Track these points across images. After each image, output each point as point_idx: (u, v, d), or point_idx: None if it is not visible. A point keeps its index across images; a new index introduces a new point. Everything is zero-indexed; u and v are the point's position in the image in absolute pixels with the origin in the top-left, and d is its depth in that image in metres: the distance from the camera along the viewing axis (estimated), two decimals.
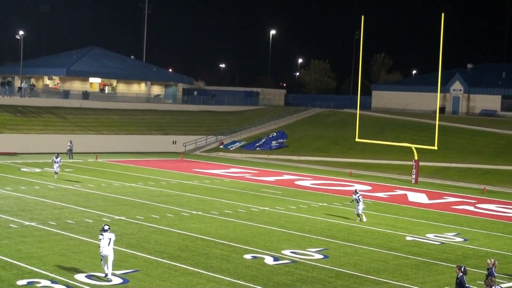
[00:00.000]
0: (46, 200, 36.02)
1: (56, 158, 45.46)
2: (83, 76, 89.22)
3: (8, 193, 37.82)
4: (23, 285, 20.24)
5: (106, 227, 21.41)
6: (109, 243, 20.95)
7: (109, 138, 69.40)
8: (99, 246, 21.22)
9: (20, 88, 76.90)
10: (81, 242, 26.24)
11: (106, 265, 21.11)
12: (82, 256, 24.11)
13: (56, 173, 45.37)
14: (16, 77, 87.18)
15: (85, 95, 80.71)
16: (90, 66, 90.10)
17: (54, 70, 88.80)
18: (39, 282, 20.53)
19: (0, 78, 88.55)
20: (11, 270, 21.75)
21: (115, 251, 21.44)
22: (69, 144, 59.57)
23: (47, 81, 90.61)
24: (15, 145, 61.85)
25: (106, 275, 21.10)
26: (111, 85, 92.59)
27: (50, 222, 29.93)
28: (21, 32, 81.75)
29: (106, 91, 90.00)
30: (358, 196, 33.87)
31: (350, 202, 35.88)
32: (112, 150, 67.07)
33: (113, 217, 32.10)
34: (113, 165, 56.52)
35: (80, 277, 21.27)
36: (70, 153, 59.13)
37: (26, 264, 22.55)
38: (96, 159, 59.82)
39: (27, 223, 29.65)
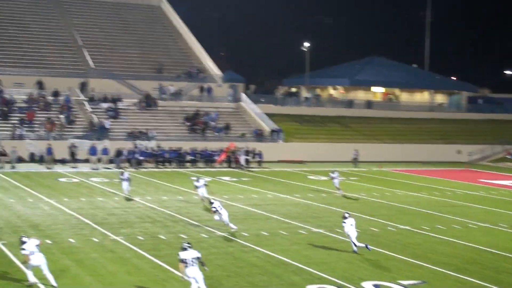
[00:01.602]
0: (332, 208, 36.93)
1: (333, 173, 42.91)
2: (366, 85, 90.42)
3: (297, 200, 39.40)
4: None
5: (185, 245, 19.03)
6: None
7: (392, 147, 69.49)
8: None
9: (306, 98, 79.87)
10: (365, 251, 26.50)
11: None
12: (368, 264, 24.36)
13: (338, 188, 42.63)
14: (302, 88, 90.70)
15: (369, 104, 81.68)
16: (373, 75, 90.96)
17: (338, 80, 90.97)
18: None
19: (286, 88, 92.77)
20: (301, 275, 22.59)
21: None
22: (354, 153, 60.74)
23: (331, 91, 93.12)
24: (302, 154, 64.22)
25: None
26: (393, 94, 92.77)
27: (337, 230, 30.60)
28: (306, 44, 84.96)
29: (389, 100, 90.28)
30: None
31: None
32: (395, 159, 67.02)
33: (398, 226, 32.06)
34: (397, 174, 56.50)
35: (367, 285, 21.50)
36: (355, 161, 60.20)
37: (315, 270, 23.27)
38: (380, 168, 60.20)
39: (315, 229, 30.63)
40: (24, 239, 20.32)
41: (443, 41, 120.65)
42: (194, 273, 18.42)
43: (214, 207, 28.65)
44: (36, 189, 39.37)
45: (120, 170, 34.52)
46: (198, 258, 18.73)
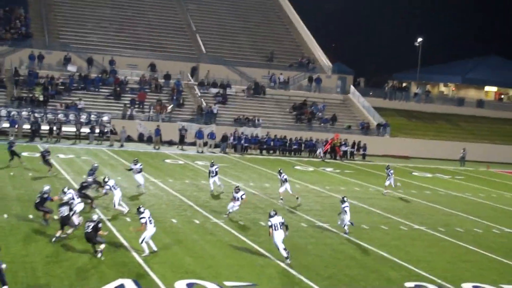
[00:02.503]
0: (435, 206, 36.28)
1: (388, 169, 39.05)
2: (478, 84, 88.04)
3: (400, 196, 38.86)
4: (410, 287, 20.65)
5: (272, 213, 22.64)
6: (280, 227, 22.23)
7: (502, 148, 67.41)
8: None
9: (415, 94, 78.60)
10: (468, 251, 25.95)
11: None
12: (470, 265, 23.85)
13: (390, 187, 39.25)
14: (412, 83, 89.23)
15: (480, 103, 79.52)
16: (486, 74, 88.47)
17: (450, 77, 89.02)
18: (426, 287, 20.78)
19: (396, 83, 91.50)
20: (399, 272, 22.34)
21: None
22: (462, 151, 59.35)
23: (442, 88, 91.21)
24: (408, 149, 63.24)
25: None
26: (507, 94, 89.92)
27: (439, 228, 30.07)
28: (419, 39, 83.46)
29: (502, 101, 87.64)
30: None
31: None
32: (505, 161, 65.01)
33: (503, 229, 31.19)
34: (505, 176, 54.84)
35: (467, 286, 21.05)
36: (462, 160, 58.83)
37: (414, 267, 22.96)
38: (488, 168, 58.58)
39: (416, 226, 30.18)
40: (141, 209, 21.95)
41: None
42: (279, 236, 22.10)
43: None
44: (143, 169, 40.35)
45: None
46: (282, 223, 22.40)
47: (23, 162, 37.27)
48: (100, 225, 21.08)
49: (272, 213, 22.61)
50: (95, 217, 21.47)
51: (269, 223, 22.26)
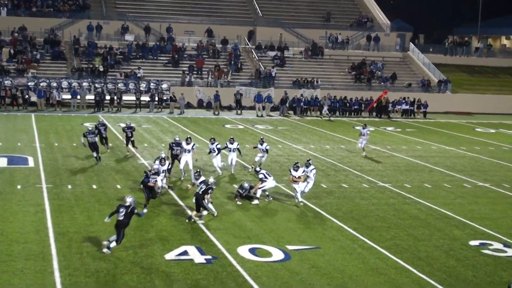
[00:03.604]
0: (500, 162, 35.63)
1: (364, 128, 36.05)
2: None
3: (463, 153, 38.29)
4: (475, 245, 20.39)
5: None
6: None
7: None
8: None
9: (477, 49, 76.89)
10: None
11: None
12: None
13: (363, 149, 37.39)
14: (473, 37, 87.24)
15: None
16: None
17: None
18: (491, 244, 20.48)
19: (457, 38, 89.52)
20: (464, 230, 22.05)
21: None
22: None
23: (504, 41, 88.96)
24: (470, 105, 62.09)
25: None
26: None
27: (504, 185, 29.54)
28: None
29: None
30: None
31: None
32: None
33: None
34: None
35: None
36: None
37: (478, 225, 22.65)
38: None
39: (480, 183, 29.71)
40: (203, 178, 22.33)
41: None
42: (301, 186, 24.00)
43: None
44: (203, 134, 40.64)
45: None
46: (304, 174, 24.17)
47: (110, 147, 34.00)
48: (210, 190, 21.44)
49: (298, 164, 24.26)
50: (211, 180, 21.90)
51: (291, 173, 24.14)
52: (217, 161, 28.78)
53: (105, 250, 18.09)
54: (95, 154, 30.48)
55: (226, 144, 29.21)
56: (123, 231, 18.16)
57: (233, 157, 29.11)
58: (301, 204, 24.14)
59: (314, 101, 55.74)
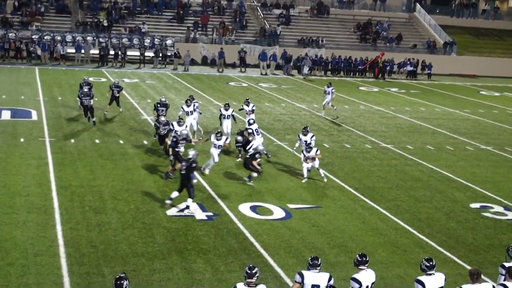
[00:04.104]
0: (503, 125, 35.58)
1: (328, 87, 35.52)
2: None
3: (466, 115, 38.21)
4: (475, 208, 20.45)
5: None
6: None
7: None
8: None
9: (484, 11, 76.21)
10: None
11: None
12: None
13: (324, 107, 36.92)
14: None
15: None
16: None
17: None
18: (492, 207, 20.54)
19: (464, 0, 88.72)
20: (465, 192, 22.11)
21: None
22: None
23: (511, 4, 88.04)
24: (475, 68, 61.80)
25: None
26: None
27: (506, 148, 29.53)
28: None
29: None
30: None
31: None
32: None
33: None
34: None
35: None
36: None
37: (480, 187, 22.70)
38: None
39: (483, 146, 29.71)
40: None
41: None
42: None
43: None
44: (207, 91, 40.56)
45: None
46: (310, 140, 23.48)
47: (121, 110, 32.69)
48: (258, 155, 21.69)
49: (304, 131, 23.71)
50: (260, 148, 22.35)
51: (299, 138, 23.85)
52: (227, 128, 26.97)
53: (167, 201, 18.70)
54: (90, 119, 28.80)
55: (220, 110, 27.52)
56: (189, 185, 18.42)
57: (228, 124, 27.06)
58: (325, 180, 22.45)
59: (319, 60, 55.46)
